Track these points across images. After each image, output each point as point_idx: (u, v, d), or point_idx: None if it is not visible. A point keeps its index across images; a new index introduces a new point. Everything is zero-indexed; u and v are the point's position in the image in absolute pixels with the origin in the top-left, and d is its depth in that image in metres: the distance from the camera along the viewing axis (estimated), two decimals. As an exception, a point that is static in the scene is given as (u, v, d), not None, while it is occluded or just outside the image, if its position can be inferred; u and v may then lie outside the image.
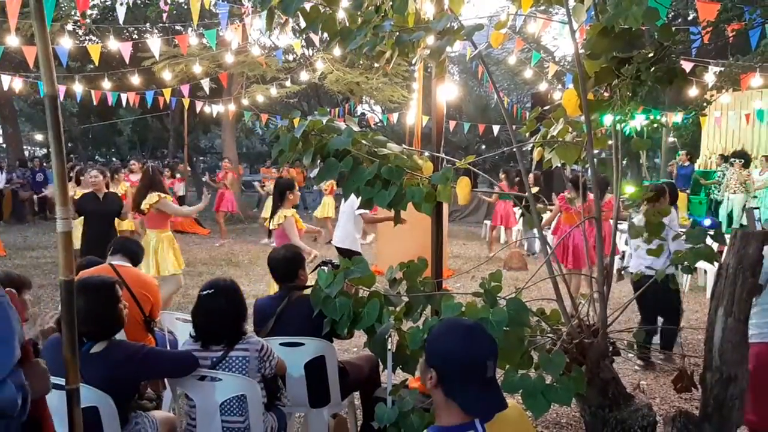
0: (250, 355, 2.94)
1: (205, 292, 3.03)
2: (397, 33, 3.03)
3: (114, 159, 31.38)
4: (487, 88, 23.46)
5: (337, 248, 6.87)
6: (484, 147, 27.54)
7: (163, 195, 6.20)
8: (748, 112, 13.21)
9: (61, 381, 2.19)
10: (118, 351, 2.76)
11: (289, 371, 3.33)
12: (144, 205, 6.16)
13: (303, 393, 3.40)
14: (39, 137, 29.34)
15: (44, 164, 18.08)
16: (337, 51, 12.43)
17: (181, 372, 2.92)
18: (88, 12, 12.45)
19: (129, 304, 3.23)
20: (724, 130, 14.59)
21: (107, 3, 13.32)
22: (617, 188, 3.22)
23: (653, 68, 2.68)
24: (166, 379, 3.28)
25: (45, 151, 32.28)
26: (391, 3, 3.13)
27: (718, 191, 12.58)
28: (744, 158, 12.17)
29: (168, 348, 3.96)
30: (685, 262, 3.03)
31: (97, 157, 36.84)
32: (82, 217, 6.68)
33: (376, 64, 15.06)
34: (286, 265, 3.68)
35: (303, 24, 3.29)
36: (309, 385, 3.40)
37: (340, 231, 6.89)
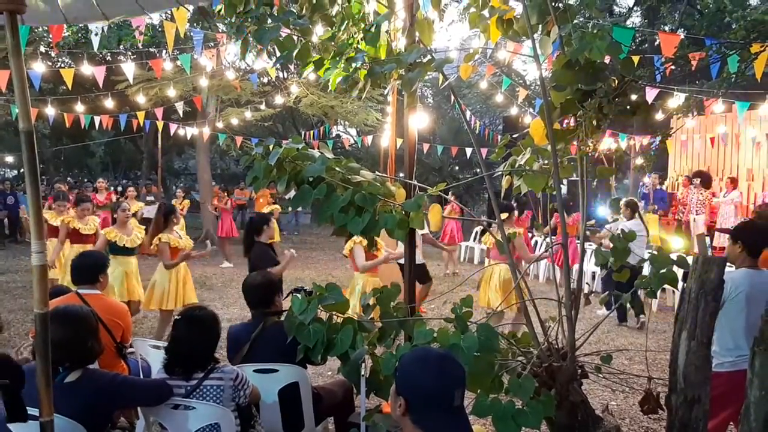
0: (225, 384, 2.95)
1: (180, 321, 3.05)
2: (370, 64, 3.11)
3: (86, 180, 31.05)
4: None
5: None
6: (457, 168, 27.81)
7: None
8: (713, 136, 13.59)
9: (35, 411, 2.19)
10: (93, 380, 2.76)
11: (263, 398, 3.34)
12: None
13: (277, 420, 3.40)
14: (10, 159, 28.90)
15: (15, 186, 17.81)
16: (311, 75, 12.54)
17: (155, 400, 2.91)
18: (63, 34, 12.36)
19: (100, 332, 3.23)
20: (689, 153, 14.98)
21: (81, 26, 13.25)
22: (584, 213, 3.31)
23: (615, 101, 2.78)
24: (139, 408, 3.26)
25: (16, 172, 31.80)
26: (363, 35, 3.21)
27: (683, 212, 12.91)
28: (702, 178, 12.47)
29: (141, 375, 3.94)
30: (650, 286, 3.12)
31: (69, 178, 36.41)
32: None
33: (348, 94, 15.26)
34: (261, 291, 3.70)
35: (278, 51, 3.35)
36: (283, 412, 3.41)
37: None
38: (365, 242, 5.71)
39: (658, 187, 14.70)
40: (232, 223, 13.87)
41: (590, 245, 7.59)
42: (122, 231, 6.51)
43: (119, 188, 20.33)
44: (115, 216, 6.87)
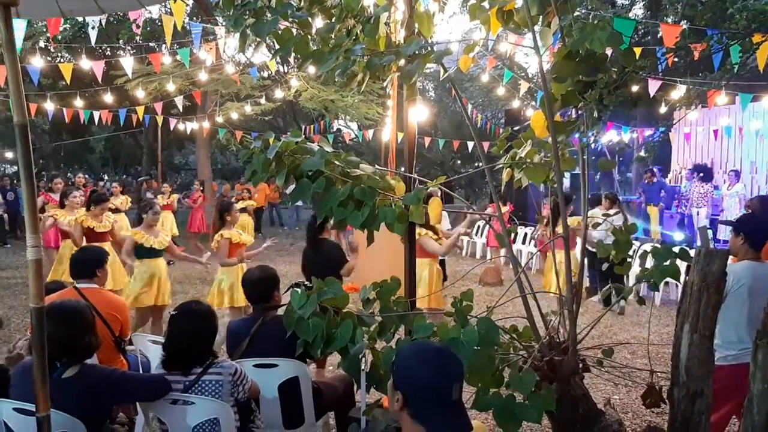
0: (224, 379, 2.94)
1: (177, 316, 3.03)
2: (368, 57, 3.08)
3: (87, 176, 31.01)
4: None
5: None
6: (459, 162, 27.76)
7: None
8: (716, 128, 13.54)
9: (32, 407, 2.18)
10: (91, 376, 2.74)
11: (262, 393, 3.32)
12: None
13: (277, 414, 3.39)
14: (10, 155, 28.88)
15: (15, 182, 17.79)
16: (311, 69, 12.49)
17: (153, 396, 2.90)
18: (60, 28, 12.34)
19: (98, 326, 3.21)
20: (693, 146, 14.93)
21: (79, 20, 13.22)
22: (585, 206, 3.29)
23: (616, 92, 2.76)
24: (138, 403, 3.25)
25: (16, 168, 31.79)
26: (362, 27, 3.18)
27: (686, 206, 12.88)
28: (703, 172, 12.41)
29: (141, 370, 3.93)
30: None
31: (69, 174, 36.47)
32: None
33: (348, 88, 15.24)
34: (261, 285, 3.68)
35: (277, 45, 3.31)
36: (283, 407, 3.39)
37: None
38: (431, 233, 5.66)
39: (654, 179, 14.64)
40: (202, 219, 13.87)
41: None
42: (149, 232, 6.10)
43: (104, 184, 20.01)
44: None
